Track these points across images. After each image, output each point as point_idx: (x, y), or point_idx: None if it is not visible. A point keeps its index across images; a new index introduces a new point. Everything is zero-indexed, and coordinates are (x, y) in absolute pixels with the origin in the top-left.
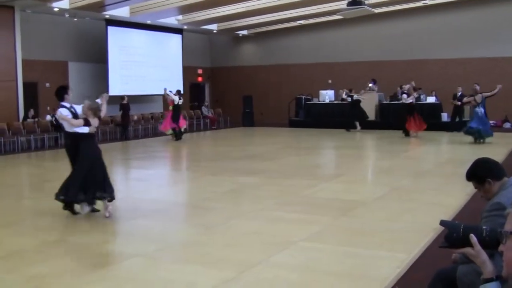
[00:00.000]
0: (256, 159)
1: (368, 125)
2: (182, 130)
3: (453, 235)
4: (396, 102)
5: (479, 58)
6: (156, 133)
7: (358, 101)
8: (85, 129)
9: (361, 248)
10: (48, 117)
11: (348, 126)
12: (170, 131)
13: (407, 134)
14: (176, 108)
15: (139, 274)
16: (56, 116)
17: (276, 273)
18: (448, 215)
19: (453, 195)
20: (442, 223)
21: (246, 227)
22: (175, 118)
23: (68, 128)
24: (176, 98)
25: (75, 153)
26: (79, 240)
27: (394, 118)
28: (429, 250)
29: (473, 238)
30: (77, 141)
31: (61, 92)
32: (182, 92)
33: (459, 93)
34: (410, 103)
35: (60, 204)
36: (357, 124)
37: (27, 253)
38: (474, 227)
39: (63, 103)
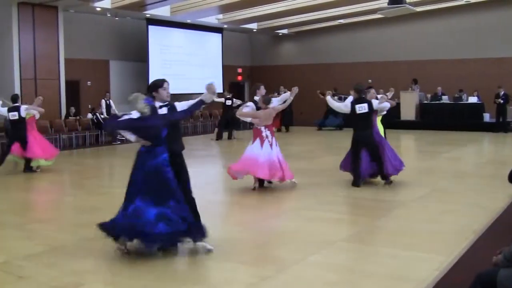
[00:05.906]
0: (293, 158)
1: (408, 125)
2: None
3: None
4: (437, 102)
5: None
6: (195, 131)
7: None
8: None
9: (400, 249)
10: (89, 115)
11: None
12: (12, 157)
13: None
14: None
15: (177, 271)
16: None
17: (314, 272)
18: (489, 217)
19: (495, 197)
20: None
21: (284, 226)
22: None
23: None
24: (32, 111)
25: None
26: None
27: (434, 118)
28: (469, 253)
29: None
30: None
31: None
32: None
33: (502, 93)
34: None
35: (99, 202)
36: None
37: (68, 248)
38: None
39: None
